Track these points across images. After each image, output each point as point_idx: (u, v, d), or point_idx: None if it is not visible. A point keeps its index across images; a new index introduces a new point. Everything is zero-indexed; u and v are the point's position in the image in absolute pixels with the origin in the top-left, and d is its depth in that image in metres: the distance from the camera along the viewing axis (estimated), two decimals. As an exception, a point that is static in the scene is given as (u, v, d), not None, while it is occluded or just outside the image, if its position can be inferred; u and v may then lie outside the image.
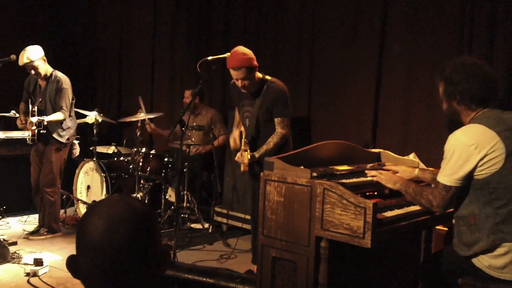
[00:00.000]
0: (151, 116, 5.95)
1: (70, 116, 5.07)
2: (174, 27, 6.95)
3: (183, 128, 4.29)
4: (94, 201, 5.49)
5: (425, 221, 2.85)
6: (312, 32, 5.49)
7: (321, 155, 3.12)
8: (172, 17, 6.96)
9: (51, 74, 4.99)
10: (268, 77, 3.98)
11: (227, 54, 4.05)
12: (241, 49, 3.88)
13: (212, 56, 4.16)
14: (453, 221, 2.62)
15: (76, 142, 5.64)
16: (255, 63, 3.87)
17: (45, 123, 4.83)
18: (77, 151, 5.75)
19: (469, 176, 2.42)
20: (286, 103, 3.95)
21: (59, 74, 5.01)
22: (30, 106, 4.89)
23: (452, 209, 2.67)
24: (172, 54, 6.99)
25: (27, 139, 4.96)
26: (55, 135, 4.98)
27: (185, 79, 6.77)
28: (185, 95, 5.96)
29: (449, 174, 2.43)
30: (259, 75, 3.95)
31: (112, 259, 1.16)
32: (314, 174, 2.71)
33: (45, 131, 4.89)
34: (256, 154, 3.86)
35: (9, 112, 5.74)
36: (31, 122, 4.79)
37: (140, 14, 7.40)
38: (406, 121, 4.83)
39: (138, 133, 5.42)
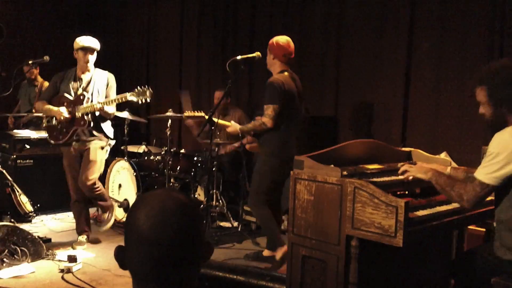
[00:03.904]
0: (178, 115, 5.99)
1: None
2: (200, 27, 7.00)
3: (212, 128, 4.34)
4: (125, 199, 5.59)
5: (456, 221, 2.83)
6: (338, 30, 5.48)
7: (351, 153, 3.12)
8: (198, 16, 7.02)
9: (95, 70, 4.82)
10: (283, 74, 4.22)
11: (256, 54, 4.10)
12: (286, 38, 4.33)
13: (240, 55, 4.20)
14: (494, 224, 2.59)
15: None
16: (275, 50, 4.21)
17: (101, 105, 4.59)
18: None
19: (510, 178, 2.37)
20: (271, 93, 4.11)
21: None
22: (73, 95, 4.70)
23: (483, 209, 2.63)
24: (198, 55, 7.04)
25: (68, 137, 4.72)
26: (103, 127, 4.75)
27: (212, 80, 6.82)
28: (215, 95, 5.98)
29: (489, 172, 2.38)
30: (280, 67, 4.23)
31: (163, 251, 1.20)
32: (344, 172, 2.71)
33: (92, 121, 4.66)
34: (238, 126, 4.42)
35: None
36: (99, 102, 4.57)
37: (167, 15, 7.48)
38: (435, 120, 4.78)
39: (168, 133, 5.48)
